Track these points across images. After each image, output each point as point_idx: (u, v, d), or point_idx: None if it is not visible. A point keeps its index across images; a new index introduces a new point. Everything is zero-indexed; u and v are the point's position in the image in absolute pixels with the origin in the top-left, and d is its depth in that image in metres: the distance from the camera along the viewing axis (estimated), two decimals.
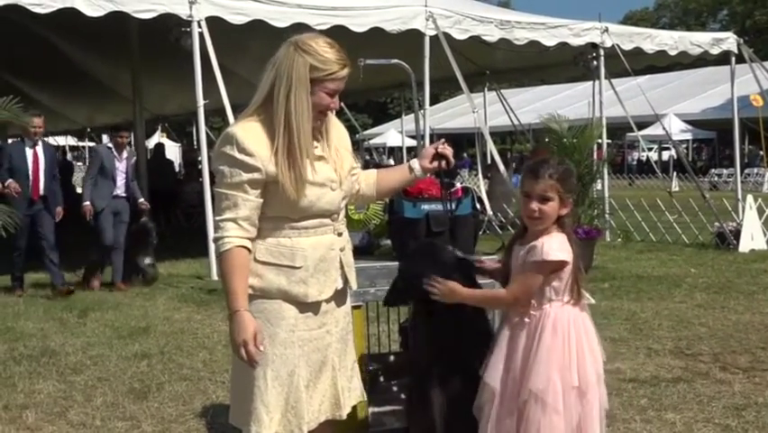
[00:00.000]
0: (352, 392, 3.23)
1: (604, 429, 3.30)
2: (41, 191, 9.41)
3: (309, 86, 2.93)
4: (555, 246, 3.17)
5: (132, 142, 10.26)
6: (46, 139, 10.09)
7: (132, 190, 10.06)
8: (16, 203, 8.81)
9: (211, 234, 9.35)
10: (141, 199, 10.16)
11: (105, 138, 35.74)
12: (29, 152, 9.42)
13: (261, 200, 2.96)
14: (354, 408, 3.30)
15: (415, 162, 3.33)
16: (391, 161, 31.76)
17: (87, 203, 9.68)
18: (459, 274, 3.36)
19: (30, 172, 9.34)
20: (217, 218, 2.96)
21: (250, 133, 2.95)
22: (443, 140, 3.39)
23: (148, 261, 10.07)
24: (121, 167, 9.84)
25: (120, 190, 9.87)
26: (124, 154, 9.94)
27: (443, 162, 3.31)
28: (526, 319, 3.22)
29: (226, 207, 2.94)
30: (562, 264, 3.18)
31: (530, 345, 3.19)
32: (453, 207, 3.97)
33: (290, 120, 2.92)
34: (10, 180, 9.03)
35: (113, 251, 9.82)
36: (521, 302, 3.22)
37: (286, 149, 2.93)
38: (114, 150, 9.87)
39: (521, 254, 3.24)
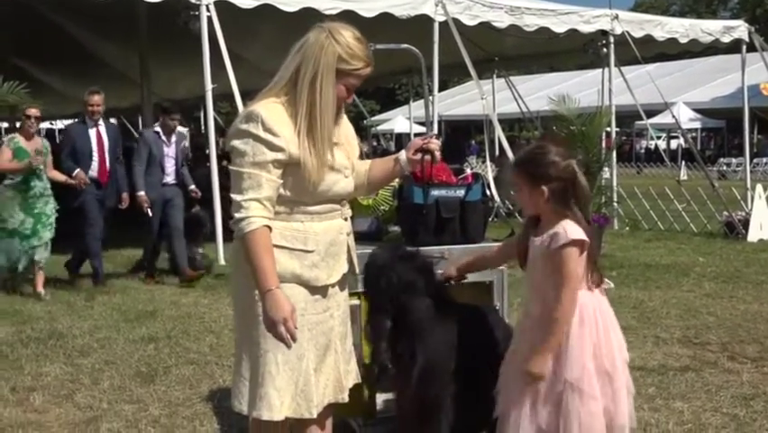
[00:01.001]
0: (351, 374, 3.27)
1: (633, 414, 3.29)
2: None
3: (335, 75, 2.92)
4: (573, 228, 3.09)
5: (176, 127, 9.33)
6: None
7: (183, 177, 9.48)
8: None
9: (219, 219, 9.43)
10: (192, 186, 9.55)
11: (112, 121, 35.98)
12: (91, 132, 8.90)
13: (282, 181, 2.96)
14: (359, 393, 3.31)
15: (402, 154, 3.31)
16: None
17: (143, 193, 8.96)
18: (420, 274, 3.41)
19: (95, 153, 8.87)
20: (239, 198, 2.92)
21: (274, 113, 2.94)
22: (434, 133, 3.35)
23: (200, 250, 9.69)
24: (170, 152, 9.21)
25: (170, 177, 9.23)
26: (173, 138, 9.27)
27: (428, 157, 3.26)
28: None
29: (249, 187, 2.91)
30: (585, 244, 3.10)
31: (570, 337, 3.14)
32: (464, 193, 3.96)
33: (314, 105, 2.92)
34: (78, 171, 8.59)
35: (174, 238, 9.21)
36: (575, 297, 3.10)
37: (307, 132, 2.93)
38: (161, 134, 9.21)
39: (537, 245, 3.17)
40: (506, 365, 3.30)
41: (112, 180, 8.97)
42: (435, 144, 3.26)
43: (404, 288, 3.37)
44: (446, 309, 3.47)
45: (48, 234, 8.38)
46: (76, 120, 10.02)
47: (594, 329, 3.17)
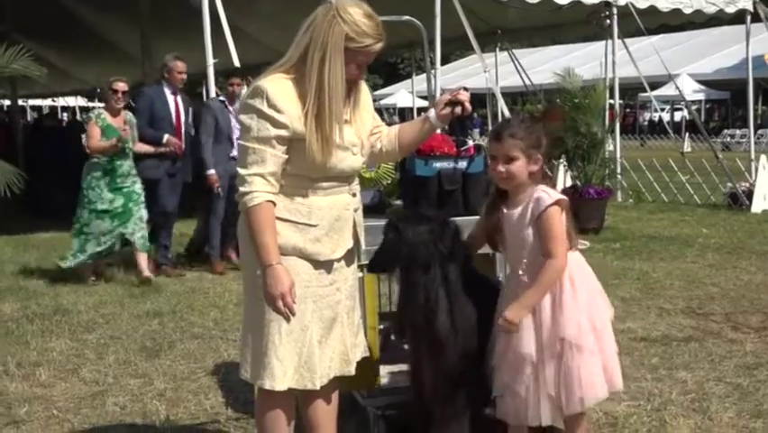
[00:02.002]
0: (358, 348, 3.27)
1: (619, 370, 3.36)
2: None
3: (344, 54, 2.90)
4: (551, 190, 3.22)
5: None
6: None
7: None
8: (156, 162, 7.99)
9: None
10: None
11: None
12: (170, 99, 8.28)
13: (287, 156, 2.95)
14: (365, 365, 3.31)
15: (431, 111, 3.27)
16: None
17: (213, 171, 8.10)
18: (446, 238, 3.34)
19: (173, 122, 8.22)
20: (244, 172, 2.93)
21: (280, 90, 2.93)
22: (461, 87, 3.32)
23: None
24: (237, 123, 8.51)
25: (237, 151, 8.17)
26: (237, 106, 7.91)
27: (459, 109, 3.21)
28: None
29: (254, 162, 2.92)
30: (565, 202, 3.20)
31: (552, 298, 3.21)
32: (466, 165, 3.95)
33: (323, 88, 2.91)
34: (167, 135, 7.94)
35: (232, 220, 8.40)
36: (566, 252, 3.20)
37: (316, 111, 2.92)
38: (227, 103, 8.34)
39: (517, 215, 3.23)
40: (504, 344, 3.29)
41: (186, 154, 8.29)
42: (465, 95, 3.21)
43: (439, 257, 3.32)
44: (473, 280, 3.43)
45: (141, 213, 7.78)
46: (149, 86, 9.09)
47: (584, 288, 3.27)
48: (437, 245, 3.31)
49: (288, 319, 2.94)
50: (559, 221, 3.18)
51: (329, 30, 2.89)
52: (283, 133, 2.92)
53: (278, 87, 2.93)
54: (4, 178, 7.14)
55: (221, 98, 8.58)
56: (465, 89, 3.26)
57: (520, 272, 3.26)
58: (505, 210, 3.27)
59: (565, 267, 3.20)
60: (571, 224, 3.28)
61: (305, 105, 2.92)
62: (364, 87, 3.19)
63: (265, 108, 2.90)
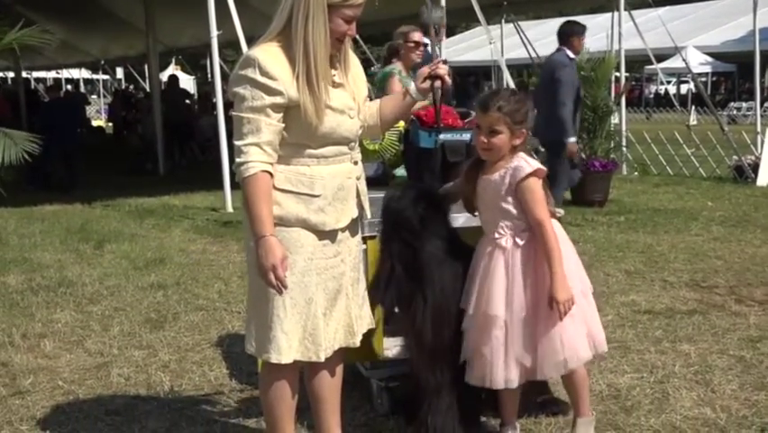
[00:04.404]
0: (363, 320, 3.26)
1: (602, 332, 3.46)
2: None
3: (327, 12, 2.88)
4: (530, 159, 3.28)
5: None
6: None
7: None
8: None
9: (226, 167, 9.41)
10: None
11: (119, 71, 35.50)
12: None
13: (283, 125, 2.93)
14: (369, 337, 3.31)
15: (411, 85, 3.26)
16: None
17: (574, 140, 7.99)
18: (435, 209, 3.39)
19: None
20: (239, 143, 2.91)
21: (271, 57, 2.90)
22: (441, 59, 3.29)
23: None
24: None
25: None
26: None
27: (438, 82, 3.20)
28: (521, 241, 3.26)
29: (249, 132, 2.90)
30: (542, 172, 3.26)
31: (528, 264, 3.25)
32: (469, 136, 3.92)
33: (308, 45, 2.89)
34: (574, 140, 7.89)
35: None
36: (549, 216, 3.25)
37: (305, 74, 2.90)
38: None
39: (494, 180, 3.27)
40: (475, 305, 3.32)
41: None
42: (444, 69, 3.19)
43: (416, 229, 3.35)
44: (456, 250, 3.45)
45: None
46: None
47: (572, 253, 3.35)
48: (416, 212, 3.34)
49: (279, 292, 2.92)
50: (539, 188, 3.23)
51: None
52: (278, 100, 2.89)
53: (268, 54, 2.91)
54: (18, 144, 7.01)
55: (568, 54, 8.20)
56: (445, 62, 3.23)
57: (495, 236, 3.29)
58: (482, 175, 3.32)
59: (554, 230, 3.24)
60: (548, 192, 3.32)
61: (295, 70, 2.90)
62: (352, 54, 3.15)
63: (258, 77, 2.88)
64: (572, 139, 8.00)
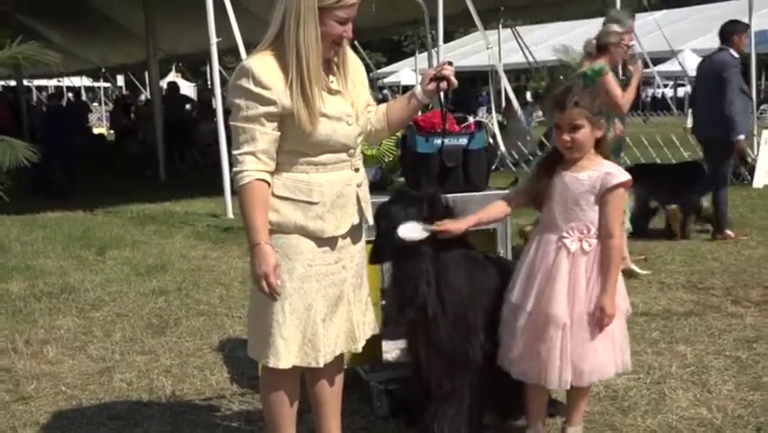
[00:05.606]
0: (367, 326, 3.26)
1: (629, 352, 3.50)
2: None
3: (318, 15, 2.87)
4: (620, 169, 3.25)
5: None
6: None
7: None
8: None
9: (226, 174, 9.43)
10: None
11: (120, 78, 35.43)
12: None
13: (278, 133, 2.94)
14: (369, 341, 3.33)
15: (417, 87, 3.24)
16: None
17: (743, 137, 7.94)
18: (436, 217, 3.34)
19: None
20: (236, 152, 2.92)
21: (265, 66, 2.91)
22: (446, 61, 3.29)
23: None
24: None
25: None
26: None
27: (444, 83, 3.17)
28: (587, 248, 3.22)
29: (244, 141, 2.91)
30: (629, 184, 3.24)
31: (591, 273, 3.24)
32: (466, 141, 3.95)
33: (300, 50, 2.88)
34: None
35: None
36: (621, 235, 3.26)
37: (299, 81, 2.89)
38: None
39: (580, 180, 3.22)
40: (534, 303, 3.28)
41: None
42: (449, 70, 3.16)
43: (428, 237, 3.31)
44: (468, 259, 3.44)
45: None
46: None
47: (618, 270, 3.31)
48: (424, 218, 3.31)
49: (273, 299, 2.94)
50: (622, 201, 3.22)
51: None
52: (272, 109, 2.90)
53: (262, 64, 2.91)
54: (17, 153, 7.06)
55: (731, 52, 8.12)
56: (450, 64, 3.20)
57: (564, 235, 3.24)
58: (564, 172, 3.25)
59: (621, 244, 3.24)
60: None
61: (288, 76, 2.90)
62: (354, 58, 3.14)
63: (252, 87, 2.88)
64: (742, 136, 7.95)
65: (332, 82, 3.03)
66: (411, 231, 3.26)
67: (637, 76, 6.49)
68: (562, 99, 3.23)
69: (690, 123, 21.38)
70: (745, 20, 15.20)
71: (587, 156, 3.25)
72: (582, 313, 3.21)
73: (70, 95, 30.11)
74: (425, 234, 3.25)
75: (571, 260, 3.23)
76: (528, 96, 23.87)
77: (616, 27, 6.43)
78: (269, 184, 2.94)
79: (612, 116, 6.27)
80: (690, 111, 25.69)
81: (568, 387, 3.30)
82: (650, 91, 39.21)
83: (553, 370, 3.24)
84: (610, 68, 6.35)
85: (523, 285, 3.30)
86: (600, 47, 6.43)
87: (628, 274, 6.43)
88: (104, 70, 29.58)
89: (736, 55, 8.07)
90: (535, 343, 3.25)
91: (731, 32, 8.16)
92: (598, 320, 3.20)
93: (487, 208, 3.45)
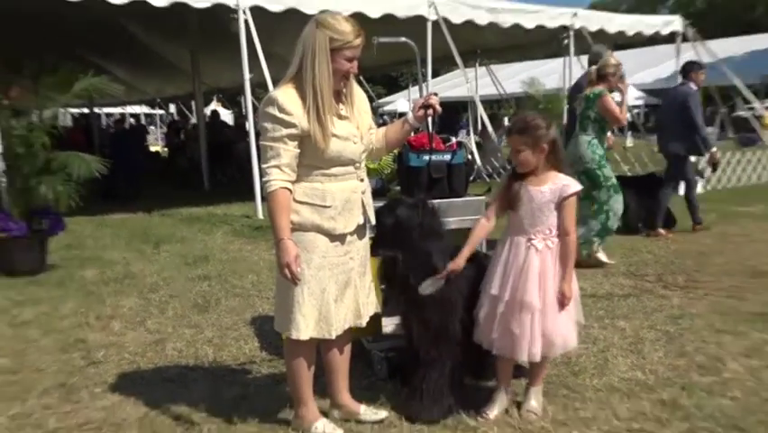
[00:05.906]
0: (370, 305, 3.28)
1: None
2: None
3: (330, 55, 2.91)
4: (573, 180, 3.30)
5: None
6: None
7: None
8: None
9: (257, 183, 9.44)
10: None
11: (172, 106, 35.49)
12: None
13: (298, 150, 2.97)
14: (371, 316, 3.34)
15: (409, 114, 3.29)
16: None
17: (715, 149, 8.14)
18: (425, 215, 3.34)
19: None
20: (264, 166, 2.96)
21: (287, 97, 2.94)
22: (433, 92, 3.31)
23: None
24: None
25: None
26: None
27: (431, 110, 3.23)
28: (551, 245, 3.26)
29: (271, 157, 2.94)
30: (580, 192, 3.31)
31: (555, 265, 3.27)
32: (450, 157, 3.95)
33: (315, 84, 2.92)
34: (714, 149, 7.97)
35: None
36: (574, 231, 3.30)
37: (315, 108, 2.93)
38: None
39: (543, 192, 3.24)
40: (510, 293, 3.27)
41: None
42: (435, 99, 3.22)
43: (421, 233, 3.31)
44: (452, 249, 3.41)
45: None
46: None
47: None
48: (418, 220, 3.32)
49: (294, 284, 2.96)
50: (575, 206, 3.28)
51: (314, 38, 2.92)
52: (293, 131, 2.93)
53: (285, 94, 2.95)
54: (90, 166, 7.12)
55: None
56: (435, 94, 3.25)
57: (531, 237, 3.26)
58: (529, 186, 3.27)
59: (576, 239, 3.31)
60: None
61: (306, 105, 2.94)
62: (359, 90, 3.17)
63: (277, 113, 2.92)
64: (715, 149, 8.27)
65: (341, 109, 3.07)
66: (430, 286, 3.28)
67: (626, 92, 6.71)
68: (510, 128, 3.32)
69: (629, 143, 21.44)
70: (673, 61, 15.28)
71: (543, 171, 3.27)
72: (552, 298, 3.23)
73: (132, 120, 30.10)
74: (440, 283, 3.28)
75: (540, 256, 3.25)
76: (506, 120, 23.91)
77: (612, 60, 6.64)
78: (291, 191, 2.97)
79: (606, 130, 6.56)
80: (629, 132, 25.75)
81: (537, 360, 3.31)
82: None
83: (524, 345, 3.25)
84: (607, 90, 6.50)
85: (500, 280, 3.31)
86: (600, 75, 6.59)
87: (596, 263, 6.47)
88: (159, 100, 29.54)
89: (695, 87, 8.13)
90: (511, 325, 3.27)
91: (689, 69, 8.29)
92: (560, 302, 3.23)
93: (473, 234, 3.41)
